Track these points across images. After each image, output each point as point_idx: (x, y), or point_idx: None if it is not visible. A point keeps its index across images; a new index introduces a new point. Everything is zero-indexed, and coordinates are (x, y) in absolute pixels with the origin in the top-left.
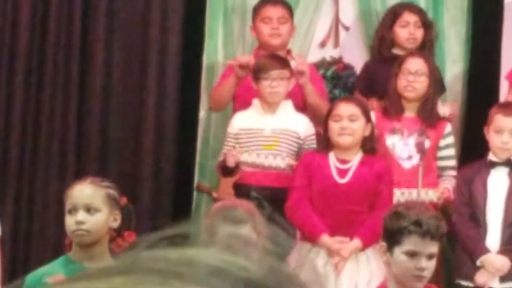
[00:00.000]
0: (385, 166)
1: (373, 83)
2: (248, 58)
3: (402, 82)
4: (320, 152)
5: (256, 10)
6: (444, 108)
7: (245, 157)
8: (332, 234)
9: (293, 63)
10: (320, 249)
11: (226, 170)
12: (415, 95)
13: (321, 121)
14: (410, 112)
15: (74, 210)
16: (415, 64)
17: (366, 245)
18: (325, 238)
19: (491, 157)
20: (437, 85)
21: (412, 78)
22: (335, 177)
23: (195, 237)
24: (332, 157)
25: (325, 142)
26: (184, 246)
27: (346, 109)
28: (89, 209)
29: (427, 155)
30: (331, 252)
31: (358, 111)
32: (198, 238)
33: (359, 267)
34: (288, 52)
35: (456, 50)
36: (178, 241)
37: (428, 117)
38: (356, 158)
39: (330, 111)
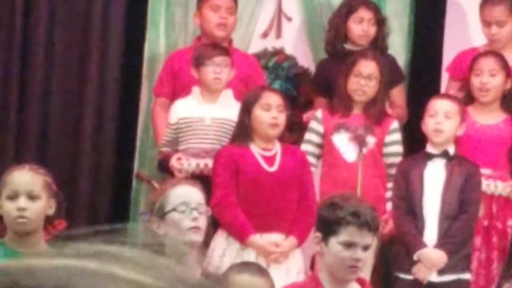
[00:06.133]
0: (304, 154)
1: (327, 82)
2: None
3: (353, 85)
4: (237, 145)
5: None
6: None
7: (185, 146)
8: (265, 226)
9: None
10: (248, 248)
11: (163, 167)
12: (364, 99)
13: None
14: (357, 110)
15: (15, 196)
16: (368, 68)
17: (301, 242)
18: (253, 238)
19: (428, 149)
20: (386, 86)
21: (364, 82)
22: (264, 166)
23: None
24: (253, 147)
25: (244, 132)
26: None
27: (275, 99)
28: (31, 196)
29: (374, 151)
30: (261, 252)
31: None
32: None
33: (289, 258)
34: (230, 42)
35: (398, 42)
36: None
37: (374, 115)
38: (276, 146)
39: (256, 100)
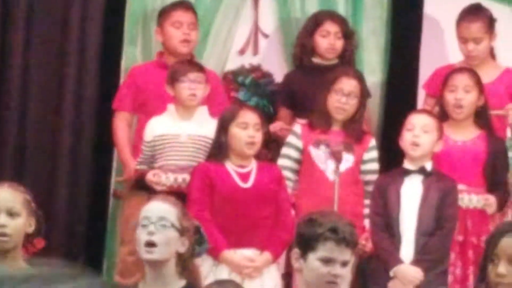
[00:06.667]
0: (280, 170)
1: (294, 94)
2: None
3: (334, 102)
4: (213, 162)
5: (166, 13)
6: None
7: (161, 163)
8: (239, 241)
9: None
10: (221, 264)
11: (140, 184)
12: (344, 117)
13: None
14: (336, 126)
15: None
16: (349, 85)
17: (276, 257)
18: (226, 254)
19: (405, 165)
20: (365, 104)
21: (345, 100)
22: (238, 182)
23: None
24: (229, 164)
25: (220, 150)
26: None
27: (252, 117)
28: (10, 213)
29: (353, 168)
30: (234, 267)
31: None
32: None
33: (264, 274)
34: (192, 57)
35: (375, 60)
36: None
37: (354, 133)
38: (252, 163)
39: (233, 118)
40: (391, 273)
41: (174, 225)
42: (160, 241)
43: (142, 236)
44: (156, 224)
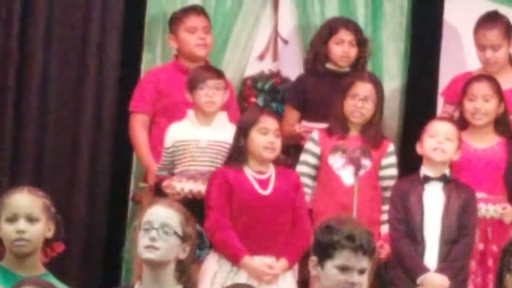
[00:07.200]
0: (298, 177)
1: (305, 96)
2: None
3: (350, 107)
4: (232, 167)
5: (178, 19)
6: None
7: (181, 169)
8: (257, 248)
9: None
10: (240, 270)
11: (157, 191)
12: (361, 121)
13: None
14: (354, 132)
15: (14, 218)
16: (365, 90)
17: (292, 264)
18: (247, 260)
19: (425, 171)
20: (382, 108)
21: (361, 104)
22: (258, 189)
23: None
24: (248, 170)
25: (239, 154)
26: None
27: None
28: (30, 219)
29: (370, 174)
30: (254, 274)
31: None
32: None
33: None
34: (207, 62)
35: (394, 65)
36: None
37: (372, 138)
38: (270, 169)
39: (254, 123)
40: (418, 281)
41: (176, 232)
42: (161, 247)
43: (144, 240)
44: (159, 230)
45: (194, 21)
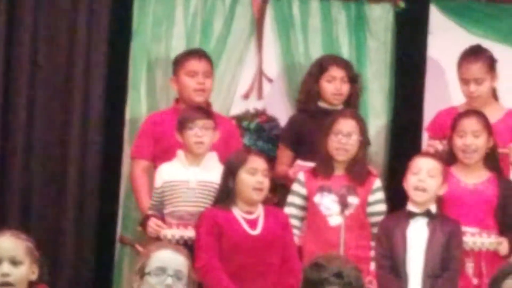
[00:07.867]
0: (286, 216)
1: (298, 136)
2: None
3: (334, 144)
4: (220, 208)
5: (180, 62)
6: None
7: (170, 209)
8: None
9: None
10: None
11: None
12: (346, 158)
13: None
14: (339, 171)
15: None
16: (347, 126)
17: None
18: None
19: (410, 207)
20: (366, 144)
21: (345, 140)
22: (247, 229)
23: None
24: (236, 210)
25: (227, 195)
26: None
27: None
28: (13, 262)
29: (358, 211)
30: None
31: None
32: None
33: None
34: (208, 105)
35: (379, 102)
36: None
37: (357, 175)
38: (259, 209)
39: (242, 163)
40: None
41: (186, 278)
42: None
43: (159, 287)
44: (174, 277)
45: (195, 65)
